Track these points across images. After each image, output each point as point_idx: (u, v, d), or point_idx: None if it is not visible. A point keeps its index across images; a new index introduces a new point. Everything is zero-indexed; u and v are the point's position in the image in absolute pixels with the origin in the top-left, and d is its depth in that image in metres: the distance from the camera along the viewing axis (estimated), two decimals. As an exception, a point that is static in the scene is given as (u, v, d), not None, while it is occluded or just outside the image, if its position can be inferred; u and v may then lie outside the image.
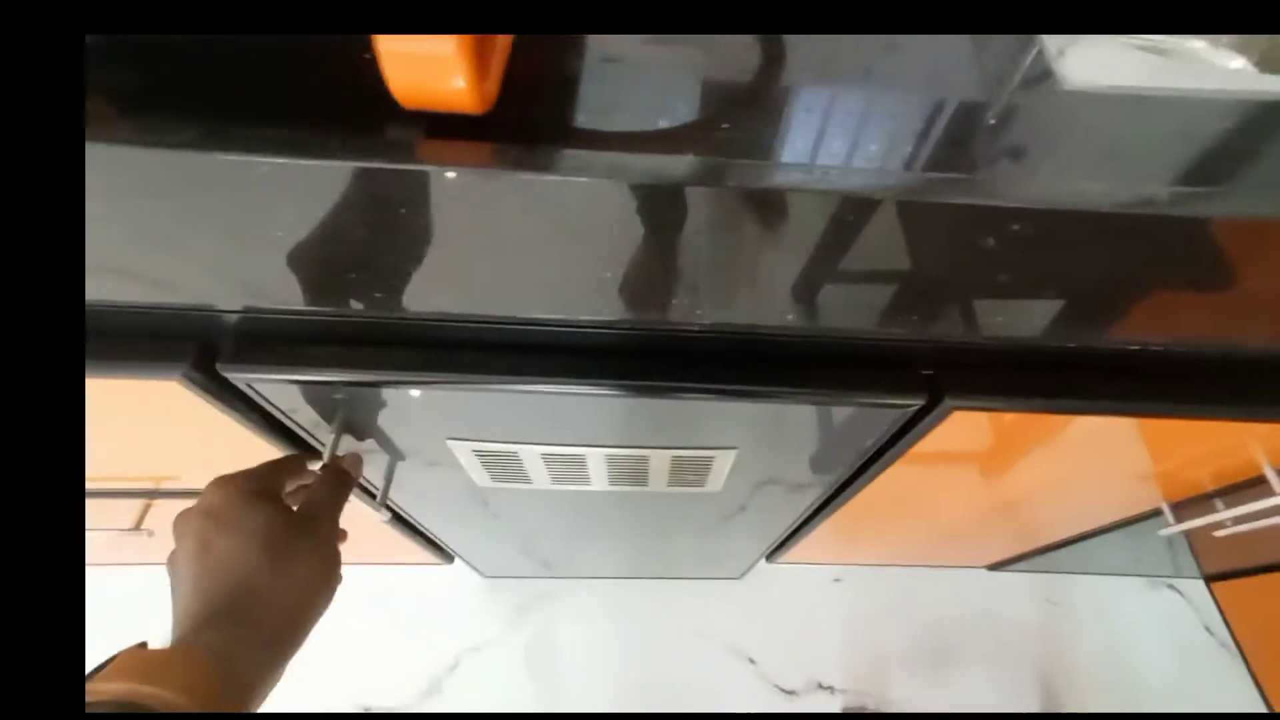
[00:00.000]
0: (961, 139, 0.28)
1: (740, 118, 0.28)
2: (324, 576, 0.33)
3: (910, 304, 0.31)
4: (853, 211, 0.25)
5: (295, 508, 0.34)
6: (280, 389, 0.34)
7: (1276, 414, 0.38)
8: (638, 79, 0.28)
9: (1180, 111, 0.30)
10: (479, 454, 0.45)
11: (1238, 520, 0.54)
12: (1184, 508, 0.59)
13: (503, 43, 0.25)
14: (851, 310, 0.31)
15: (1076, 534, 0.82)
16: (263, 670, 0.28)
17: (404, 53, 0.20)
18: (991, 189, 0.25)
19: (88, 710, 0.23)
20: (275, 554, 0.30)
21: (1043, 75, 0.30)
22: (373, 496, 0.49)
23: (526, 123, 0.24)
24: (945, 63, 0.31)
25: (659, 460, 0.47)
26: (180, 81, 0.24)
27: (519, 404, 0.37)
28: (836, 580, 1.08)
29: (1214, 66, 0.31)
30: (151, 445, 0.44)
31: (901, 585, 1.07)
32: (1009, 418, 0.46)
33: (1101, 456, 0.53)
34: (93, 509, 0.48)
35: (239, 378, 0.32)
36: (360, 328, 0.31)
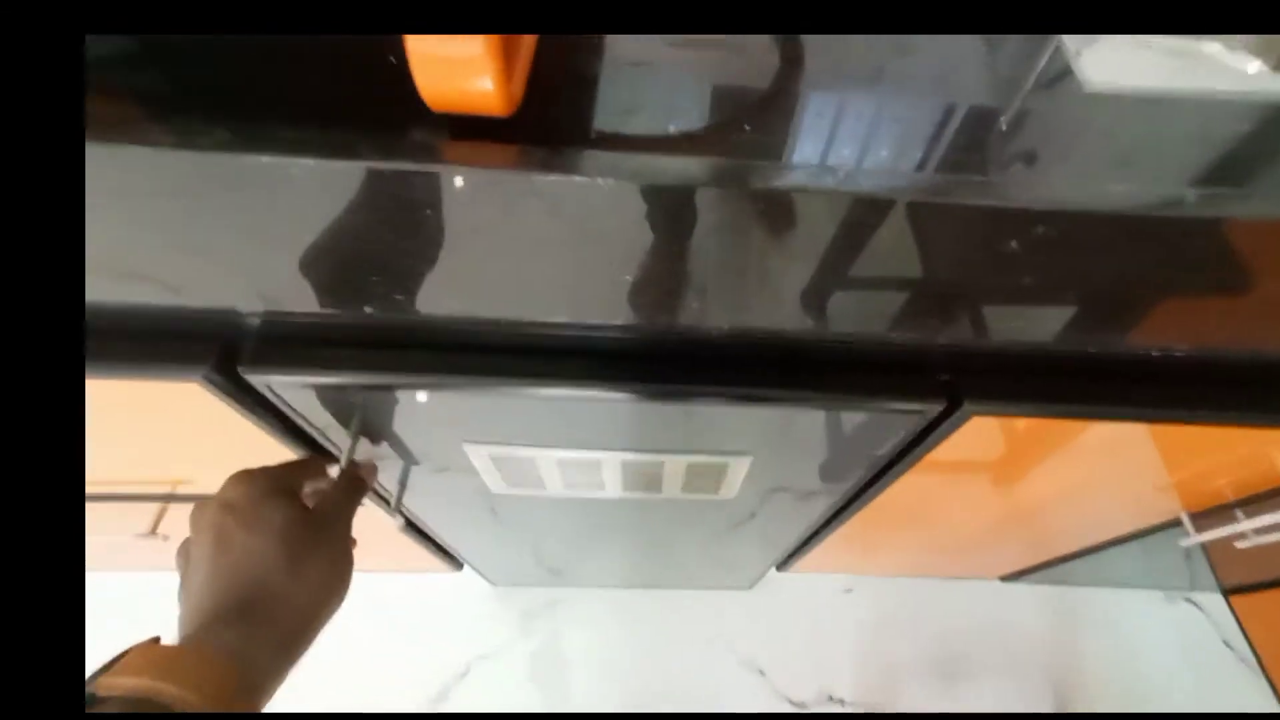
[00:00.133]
0: (982, 141, 0.28)
1: (762, 120, 0.28)
2: (338, 578, 0.33)
3: (930, 308, 0.31)
4: (876, 214, 0.25)
5: (311, 505, 0.34)
6: (300, 392, 0.35)
7: (1301, 421, 0.38)
8: (660, 82, 0.28)
9: (1198, 113, 0.30)
10: (495, 459, 0.45)
11: (1260, 531, 0.53)
12: (1204, 518, 0.58)
13: (527, 46, 0.25)
14: (871, 314, 0.31)
15: (1091, 545, 0.81)
16: (273, 670, 0.28)
17: (433, 55, 0.20)
18: (1015, 191, 0.25)
19: (101, 704, 0.23)
20: (291, 553, 0.30)
21: (1061, 77, 0.31)
22: (387, 503, 0.49)
23: (551, 125, 0.25)
24: (961, 65, 0.31)
25: (673, 466, 0.47)
26: (208, 85, 0.25)
27: (537, 407, 0.37)
28: (847, 590, 1.06)
29: (1230, 69, 0.31)
30: (168, 449, 0.44)
31: (913, 596, 1.06)
32: (1025, 424, 0.46)
33: (1119, 465, 0.52)
34: (108, 513, 0.48)
35: (259, 380, 0.32)
36: (381, 331, 0.31)
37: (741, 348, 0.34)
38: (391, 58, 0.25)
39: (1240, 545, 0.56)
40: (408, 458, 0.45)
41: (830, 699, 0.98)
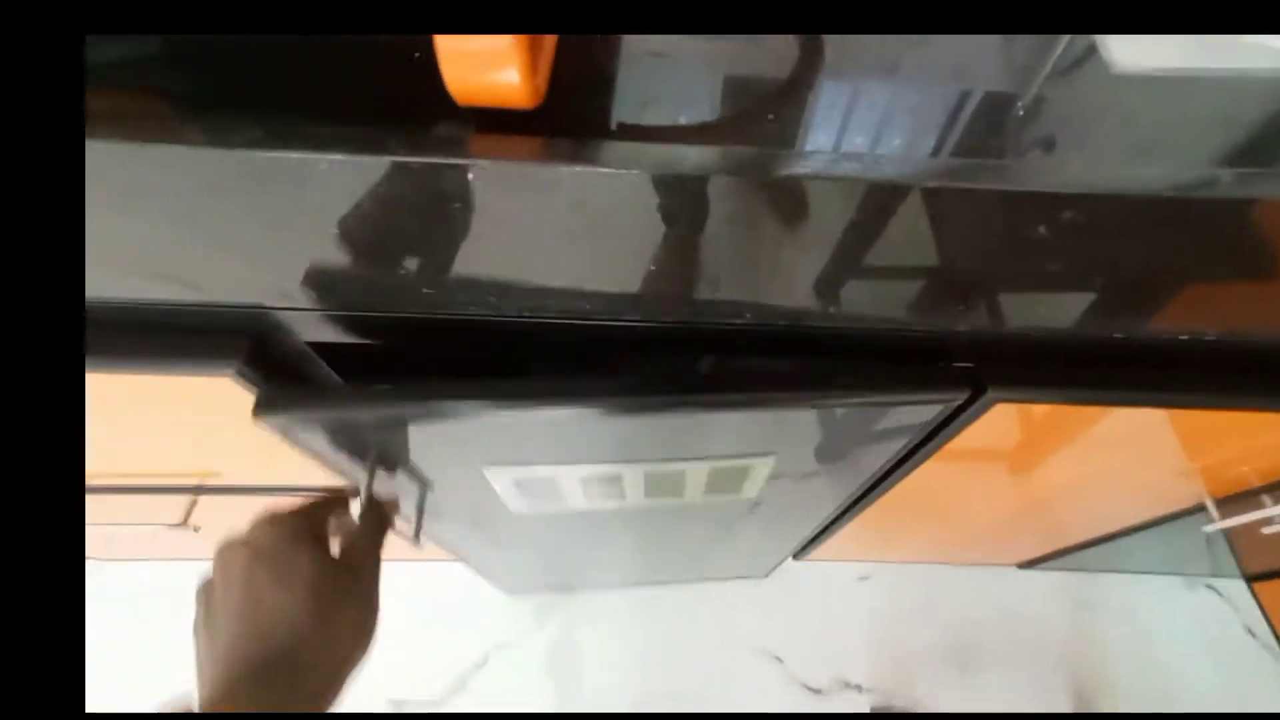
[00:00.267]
0: (1005, 127, 0.28)
1: (784, 109, 0.28)
2: (366, 630, 0.32)
3: (954, 294, 0.31)
4: (901, 200, 0.24)
5: (337, 546, 0.33)
6: (316, 434, 0.35)
7: (1332, 406, 0.37)
8: (680, 73, 0.28)
9: (1224, 94, 0.30)
10: (518, 481, 0.44)
11: (1287, 516, 0.53)
12: (1229, 504, 0.58)
13: (550, 39, 0.25)
14: (894, 302, 0.31)
15: (1111, 531, 0.80)
16: None
17: (461, 49, 0.20)
18: (1042, 176, 0.25)
19: None
20: (322, 609, 0.30)
21: (1086, 60, 0.30)
22: (406, 534, 0.48)
23: (574, 116, 0.25)
24: (980, 54, 0.30)
25: (696, 472, 0.47)
26: (236, 85, 0.25)
27: (561, 427, 0.37)
28: (863, 578, 1.07)
29: (1264, 47, 0.30)
30: (196, 442, 0.45)
31: (929, 583, 1.06)
32: (1045, 411, 0.45)
33: (1141, 450, 0.52)
34: (141, 504, 0.49)
35: (277, 423, 0.33)
36: (408, 329, 0.32)
37: (764, 339, 0.34)
38: (416, 54, 0.25)
39: (1266, 531, 0.55)
40: (423, 485, 0.44)
41: (846, 685, 0.99)
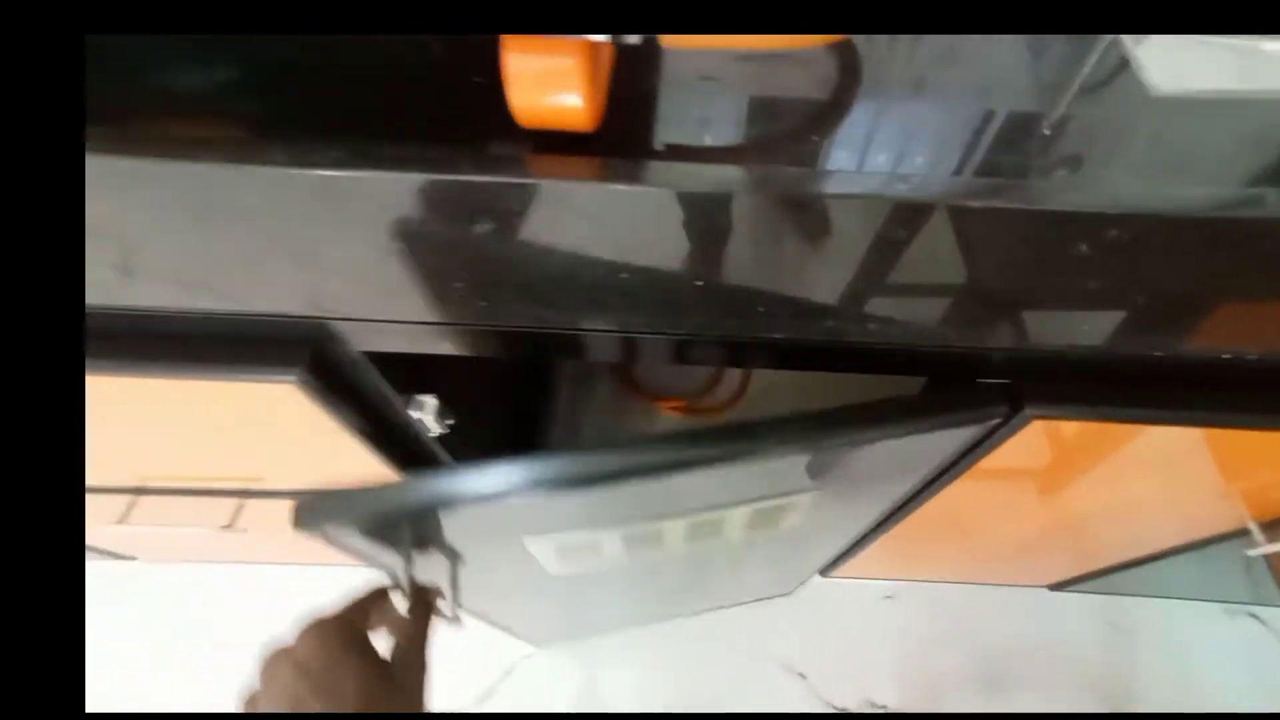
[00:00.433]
0: (1038, 142, 0.28)
1: (827, 130, 0.29)
2: None
3: (994, 311, 0.31)
4: (948, 218, 0.25)
5: (384, 640, 0.33)
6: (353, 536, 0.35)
7: (1382, 426, 0.37)
8: (727, 95, 0.29)
9: (1262, 114, 0.30)
10: (559, 549, 0.44)
11: (1336, 540, 0.51)
12: (1274, 527, 0.57)
13: (607, 63, 0.26)
14: (934, 318, 0.31)
15: (1148, 553, 0.78)
16: None
17: (529, 71, 0.22)
18: (1088, 193, 0.26)
19: None
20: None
21: (1120, 79, 0.31)
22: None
23: (628, 138, 0.26)
24: (1009, 74, 0.31)
25: (737, 516, 0.46)
26: (314, 109, 0.27)
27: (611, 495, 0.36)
28: (888, 597, 1.05)
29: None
30: (245, 448, 0.47)
31: (956, 604, 1.04)
32: (1080, 430, 0.45)
33: (1182, 471, 0.51)
34: (190, 507, 0.51)
35: (317, 530, 0.33)
36: (462, 339, 0.33)
37: (801, 352, 0.34)
38: (478, 79, 0.26)
39: (1313, 556, 0.54)
40: (455, 559, 0.43)
41: (873, 705, 0.97)
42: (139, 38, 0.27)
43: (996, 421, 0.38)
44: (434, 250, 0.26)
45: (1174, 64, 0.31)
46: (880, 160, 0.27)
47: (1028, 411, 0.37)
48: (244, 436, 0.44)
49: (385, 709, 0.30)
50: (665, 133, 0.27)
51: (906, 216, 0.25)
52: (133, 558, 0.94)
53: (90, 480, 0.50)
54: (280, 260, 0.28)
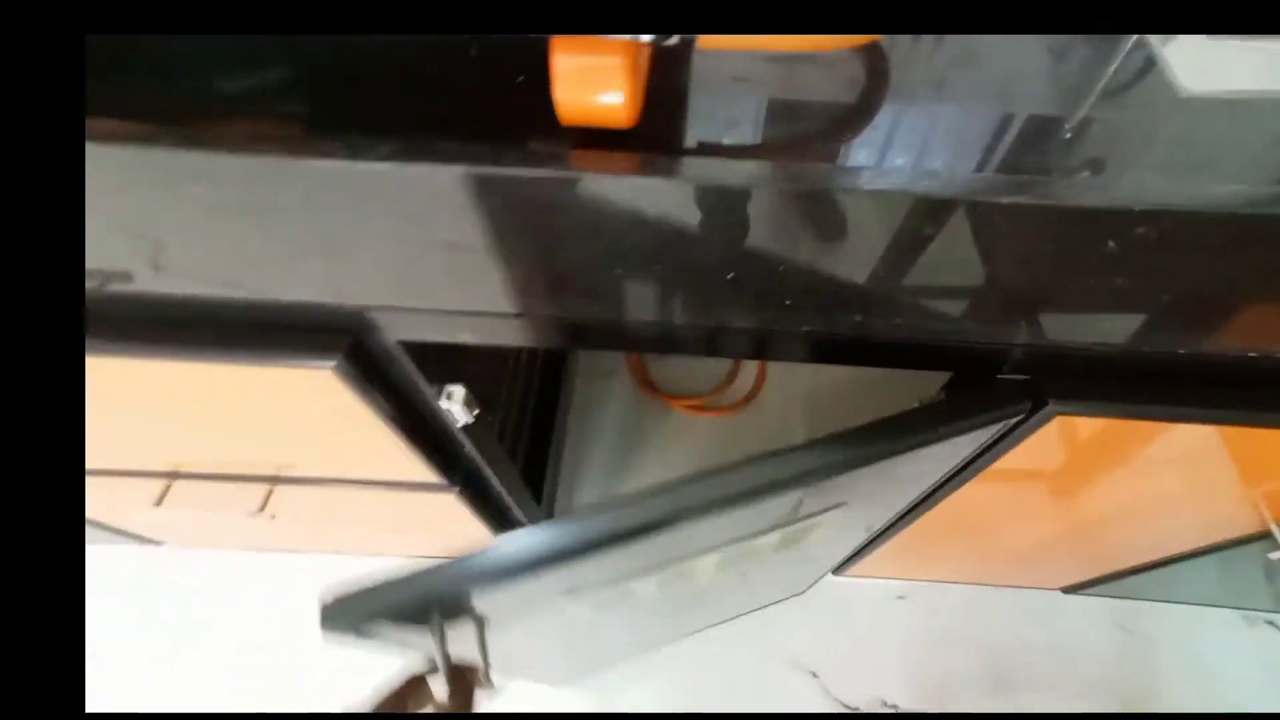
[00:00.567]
0: (1073, 144, 0.29)
1: (857, 129, 0.29)
2: None
3: (1020, 306, 0.31)
4: (976, 214, 0.26)
5: None
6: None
7: None
8: (758, 95, 0.30)
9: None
10: (595, 606, 0.43)
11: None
12: (1296, 530, 0.56)
13: (645, 64, 0.27)
14: (960, 312, 0.32)
15: (1165, 556, 0.78)
16: None
17: (575, 69, 0.23)
18: (1117, 191, 0.26)
19: None
20: None
21: (1154, 80, 0.31)
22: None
23: (664, 135, 0.27)
24: (1034, 75, 0.32)
25: (767, 541, 0.46)
26: (363, 107, 0.28)
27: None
28: (900, 597, 1.05)
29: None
30: (277, 435, 0.48)
31: (968, 605, 1.04)
32: (1100, 428, 0.45)
33: (1202, 471, 0.51)
34: (221, 493, 0.53)
35: (342, 637, 0.32)
36: (492, 329, 0.34)
37: (827, 345, 0.35)
38: (521, 78, 0.27)
39: (1335, 560, 0.53)
40: (483, 624, 0.39)
41: (884, 704, 0.97)
42: (189, 39, 0.28)
43: (1019, 418, 0.39)
44: (477, 241, 0.27)
45: (1202, 64, 0.31)
46: (904, 161, 0.28)
47: (1051, 407, 0.37)
48: (279, 424, 0.45)
49: None
50: (699, 130, 0.28)
51: (935, 212, 0.26)
52: (160, 542, 0.96)
53: (128, 464, 0.51)
54: (324, 251, 0.29)
